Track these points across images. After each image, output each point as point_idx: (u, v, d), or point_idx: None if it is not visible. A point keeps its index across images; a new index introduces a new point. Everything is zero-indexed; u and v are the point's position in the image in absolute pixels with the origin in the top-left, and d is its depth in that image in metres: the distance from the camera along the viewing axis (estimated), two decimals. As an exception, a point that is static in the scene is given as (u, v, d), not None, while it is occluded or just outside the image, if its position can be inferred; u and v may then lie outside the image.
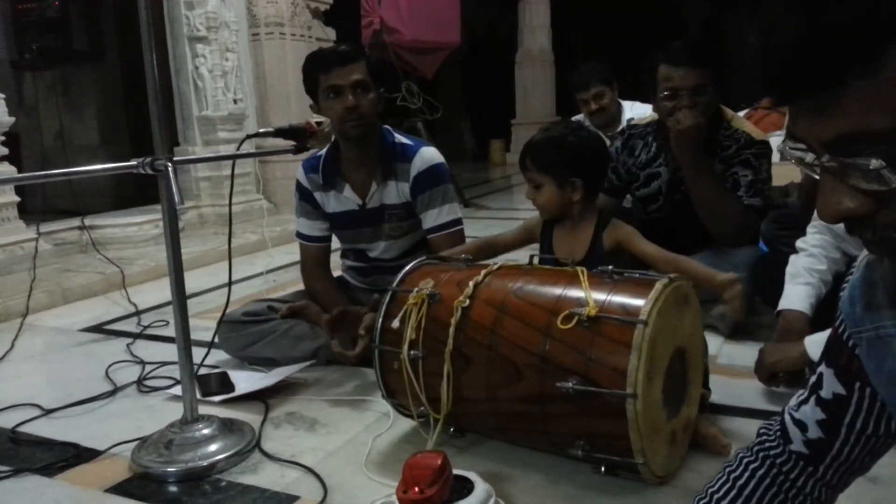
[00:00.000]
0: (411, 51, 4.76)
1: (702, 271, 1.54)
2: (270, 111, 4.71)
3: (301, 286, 2.32)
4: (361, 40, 4.84)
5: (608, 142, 3.43)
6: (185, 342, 1.55)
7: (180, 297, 1.50)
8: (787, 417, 0.83)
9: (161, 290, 2.99)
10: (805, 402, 0.81)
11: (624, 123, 3.44)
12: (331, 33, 5.26)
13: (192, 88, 4.22)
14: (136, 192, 4.69)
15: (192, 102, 4.25)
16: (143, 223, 3.77)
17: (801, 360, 1.61)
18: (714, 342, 2.08)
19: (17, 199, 3.23)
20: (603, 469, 1.32)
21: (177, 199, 1.39)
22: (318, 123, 1.85)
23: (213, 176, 4.34)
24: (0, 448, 1.65)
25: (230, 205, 1.63)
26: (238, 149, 1.69)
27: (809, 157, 0.56)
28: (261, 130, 1.73)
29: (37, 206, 5.14)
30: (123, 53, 5.42)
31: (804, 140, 0.56)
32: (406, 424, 1.62)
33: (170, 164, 1.41)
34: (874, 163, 0.51)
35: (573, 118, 3.64)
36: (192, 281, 3.24)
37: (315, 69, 1.98)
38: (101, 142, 5.64)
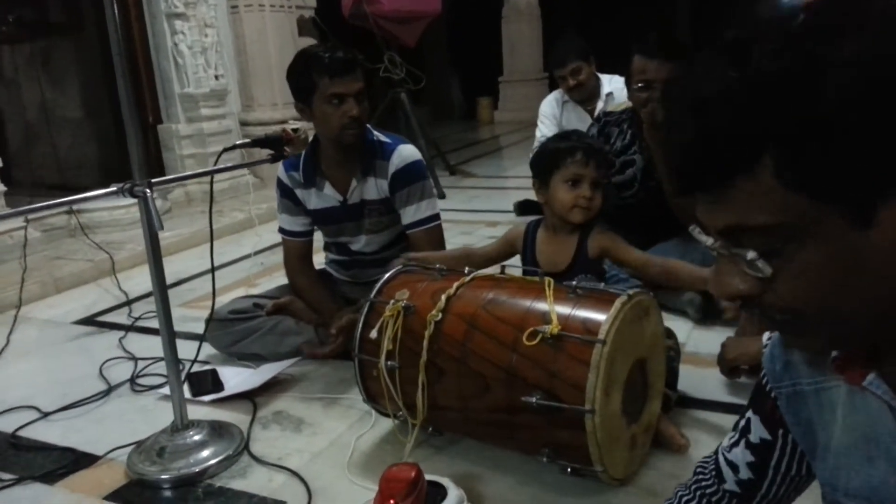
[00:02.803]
0: (392, 20, 4.71)
1: (690, 272, 1.58)
2: (253, 85, 4.69)
3: (285, 280, 2.38)
4: (342, 10, 4.79)
5: (588, 117, 3.47)
6: (173, 354, 1.62)
7: (168, 325, 1.56)
8: (720, 458, 0.91)
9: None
10: (736, 444, 0.89)
11: (603, 97, 3.48)
12: (310, 0, 5.19)
13: (173, 66, 4.20)
14: (121, 164, 4.71)
15: (174, 80, 4.24)
16: (130, 206, 3.79)
17: (760, 355, 1.68)
18: (683, 328, 2.17)
19: (4, 188, 3.25)
20: (570, 470, 1.42)
21: (157, 224, 1.45)
22: (295, 130, 1.88)
23: (197, 153, 4.36)
24: (2, 453, 1.74)
25: (210, 217, 1.68)
26: (216, 163, 1.73)
27: (710, 240, 0.63)
28: (237, 143, 1.77)
29: (23, 177, 5.16)
30: (102, 25, 5.34)
31: (703, 224, 0.63)
32: (387, 423, 1.71)
33: (148, 191, 1.46)
34: (750, 254, 0.59)
35: (552, 93, 3.67)
36: (180, 264, 3.32)
37: (315, 72, 1.98)
38: (84, 115, 5.61)
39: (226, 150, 1.75)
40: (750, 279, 0.61)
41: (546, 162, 1.75)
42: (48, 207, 1.42)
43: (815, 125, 0.53)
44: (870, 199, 0.55)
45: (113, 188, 1.48)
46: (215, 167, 1.72)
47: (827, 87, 0.53)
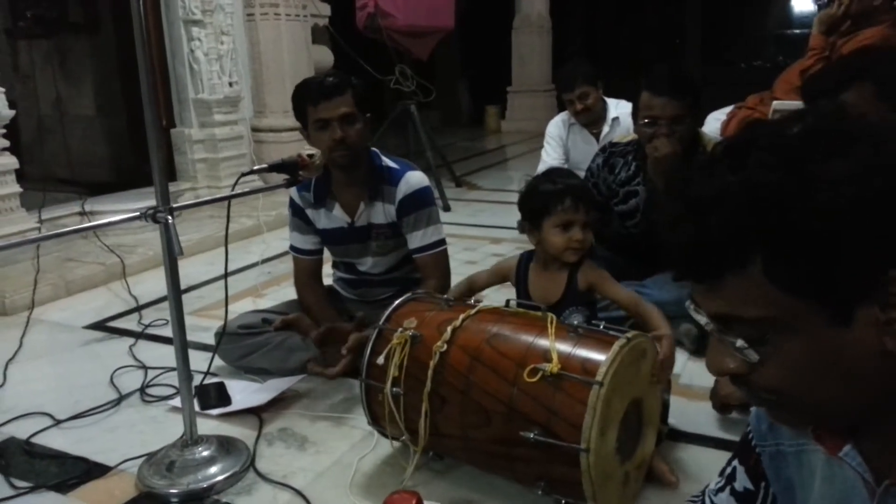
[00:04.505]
0: (406, 35, 4.79)
1: (653, 320, 1.67)
2: (266, 92, 4.76)
3: (293, 291, 2.45)
4: (356, 21, 4.86)
5: (594, 140, 3.54)
6: (186, 371, 1.68)
7: (183, 346, 1.63)
8: (707, 500, 0.97)
9: (160, 281, 3.09)
10: (722, 490, 0.95)
11: (609, 122, 3.54)
12: (324, 8, 5.26)
13: (188, 71, 4.26)
14: (133, 164, 4.79)
15: (188, 85, 4.30)
16: (141, 209, 3.84)
17: (751, 393, 1.75)
18: (678, 360, 2.19)
19: (20, 189, 3.31)
20: (564, 502, 1.48)
21: (177, 250, 1.51)
22: (310, 156, 1.94)
23: (209, 158, 4.42)
24: (17, 460, 1.81)
25: (226, 244, 1.74)
26: (234, 187, 1.79)
27: (704, 320, 0.69)
28: (255, 167, 1.83)
29: (34, 171, 5.23)
30: (119, 26, 5.42)
31: (699, 306, 0.69)
32: (388, 445, 1.77)
33: (170, 218, 1.52)
34: (739, 342, 0.65)
35: (559, 115, 3.73)
36: (190, 269, 3.38)
37: (304, 101, 2.08)
38: (97, 113, 5.68)
39: (243, 174, 1.81)
40: (739, 360, 0.67)
41: (536, 207, 1.79)
42: (74, 232, 1.48)
43: (803, 234, 0.59)
44: (849, 302, 0.61)
45: (136, 213, 1.55)
46: (232, 193, 1.78)
47: (816, 201, 0.59)
